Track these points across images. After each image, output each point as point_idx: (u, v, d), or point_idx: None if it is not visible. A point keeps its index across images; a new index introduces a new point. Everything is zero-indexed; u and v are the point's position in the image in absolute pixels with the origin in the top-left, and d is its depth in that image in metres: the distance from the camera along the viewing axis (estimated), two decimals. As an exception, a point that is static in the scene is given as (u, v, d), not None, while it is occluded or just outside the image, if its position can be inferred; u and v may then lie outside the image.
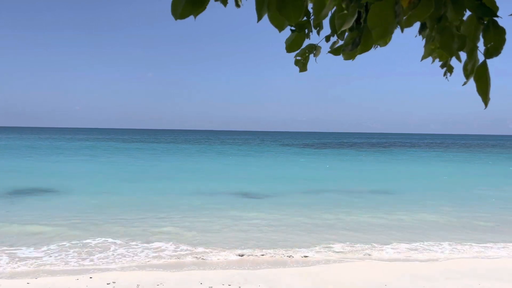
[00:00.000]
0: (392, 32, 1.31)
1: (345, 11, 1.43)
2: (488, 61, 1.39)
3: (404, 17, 1.33)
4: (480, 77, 1.39)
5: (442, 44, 1.42)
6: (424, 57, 1.64)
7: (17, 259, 8.75)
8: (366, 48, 1.53)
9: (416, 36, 1.62)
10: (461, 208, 15.67)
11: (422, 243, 10.60)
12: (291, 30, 1.79)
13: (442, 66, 1.66)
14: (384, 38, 1.31)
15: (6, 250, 9.41)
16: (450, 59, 1.63)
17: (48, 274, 7.81)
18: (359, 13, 1.47)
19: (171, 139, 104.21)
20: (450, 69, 1.66)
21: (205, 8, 1.38)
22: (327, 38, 1.84)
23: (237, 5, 1.52)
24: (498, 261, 9.11)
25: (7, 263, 8.48)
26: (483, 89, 1.39)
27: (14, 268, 8.22)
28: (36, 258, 8.88)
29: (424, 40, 1.61)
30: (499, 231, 12.08)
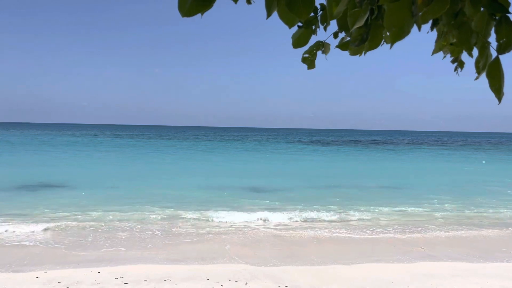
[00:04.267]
0: (409, 32, 1.31)
1: (357, 9, 1.43)
2: (502, 57, 1.38)
3: (419, 14, 1.32)
4: (493, 73, 1.38)
5: (460, 40, 1.42)
6: (434, 52, 1.64)
7: (26, 254, 8.85)
8: (375, 45, 1.52)
9: (428, 32, 1.62)
10: (469, 206, 15.55)
11: (428, 241, 10.54)
12: (298, 26, 1.79)
13: (453, 62, 1.66)
14: (401, 38, 1.31)
15: (15, 244, 9.53)
16: (461, 55, 1.63)
17: (57, 269, 7.88)
18: (371, 10, 1.47)
19: (178, 135, 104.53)
20: (461, 64, 1.66)
21: (212, 5, 1.38)
22: (335, 35, 1.83)
23: (248, 2, 1.52)
24: (506, 259, 9.04)
25: (16, 257, 8.59)
26: (496, 85, 1.39)
27: (23, 262, 8.31)
28: (44, 252, 8.98)
29: (436, 35, 1.60)
30: (507, 229, 11.98)
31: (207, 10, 1.39)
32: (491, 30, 1.39)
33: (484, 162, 30.79)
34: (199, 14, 1.39)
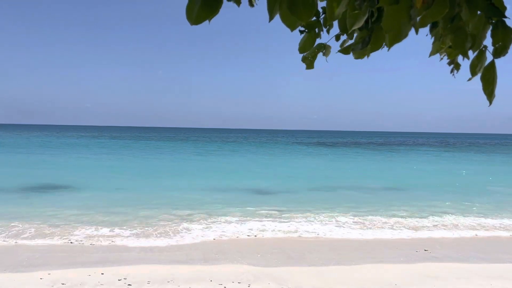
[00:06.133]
0: (406, 35, 1.33)
1: (357, 11, 1.45)
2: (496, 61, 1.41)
3: (418, 17, 1.35)
4: (487, 76, 1.41)
5: (455, 44, 1.44)
6: (431, 54, 1.66)
7: (30, 255, 8.90)
8: (376, 47, 1.54)
9: (427, 35, 1.64)
10: (471, 207, 15.51)
11: (432, 242, 10.52)
12: (300, 31, 1.81)
13: (449, 64, 1.68)
14: (399, 41, 1.34)
15: (18, 245, 9.58)
16: (458, 57, 1.65)
17: (61, 270, 7.92)
18: (371, 12, 1.49)
19: (182, 137, 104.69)
20: (457, 67, 1.68)
21: (218, 11, 1.41)
22: (337, 37, 1.85)
23: (251, 4, 1.54)
24: (509, 261, 9.01)
25: (20, 258, 8.63)
26: (489, 88, 1.41)
27: (27, 263, 8.36)
28: (48, 254, 9.02)
29: (433, 37, 1.62)
30: (509, 230, 11.94)
31: (214, 16, 1.41)
32: (487, 33, 1.42)
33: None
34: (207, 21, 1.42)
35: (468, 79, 1.50)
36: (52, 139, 74.20)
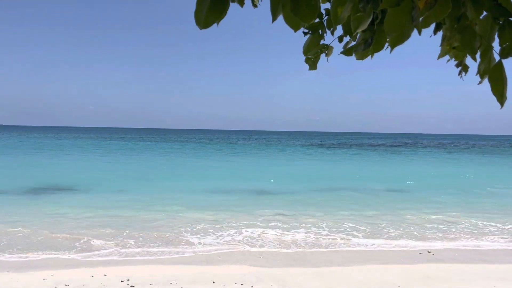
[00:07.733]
0: (409, 36, 1.32)
1: (360, 13, 1.44)
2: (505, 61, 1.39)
3: (421, 18, 1.34)
4: (495, 77, 1.39)
5: (464, 43, 1.42)
6: (440, 56, 1.64)
7: (33, 256, 8.91)
8: (378, 48, 1.54)
9: (431, 36, 1.62)
10: (474, 209, 15.45)
11: (435, 244, 10.49)
12: (304, 33, 1.81)
13: (457, 66, 1.66)
14: (401, 42, 1.33)
15: (23, 247, 9.59)
16: (466, 59, 1.63)
17: (64, 271, 7.93)
18: (374, 14, 1.48)
19: (184, 138, 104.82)
20: (465, 68, 1.66)
21: (226, 13, 1.41)
22: (340, 39, 1.85)
23: (254, 5, 1.54)
24: (514, 263, 8.98)
25: (24, 260, 8.65)
26: (499, 89, 1.39)
27: (30, 264, 8.38)
28: (52, 255, 9.03)
29: (440, 39, 1.61)
30: (515, 233, 11.90)
31: (222, 18, 1.42)
32: (495, 34, 1.40)
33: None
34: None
35: (478, 82, 1.47)
36: (56, 140, 74.37)
